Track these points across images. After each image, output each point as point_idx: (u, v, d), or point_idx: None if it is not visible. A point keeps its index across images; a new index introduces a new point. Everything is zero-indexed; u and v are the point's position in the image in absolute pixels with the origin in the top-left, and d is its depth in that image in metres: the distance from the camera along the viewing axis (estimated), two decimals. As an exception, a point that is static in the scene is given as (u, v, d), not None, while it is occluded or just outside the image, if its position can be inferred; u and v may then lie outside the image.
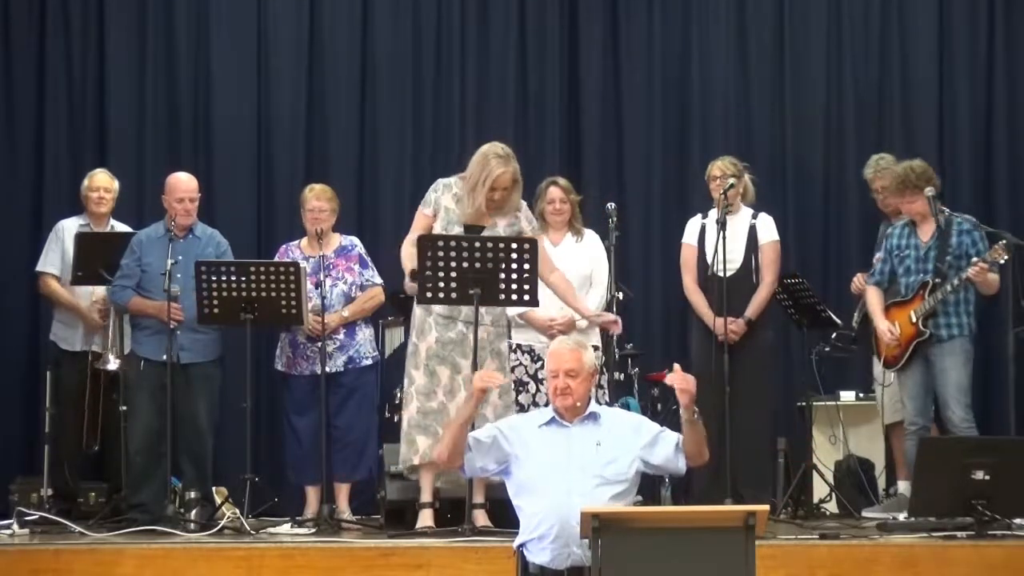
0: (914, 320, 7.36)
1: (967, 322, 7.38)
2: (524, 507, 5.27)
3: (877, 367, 8.04)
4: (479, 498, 6.97)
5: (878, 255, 7.74)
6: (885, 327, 7.44)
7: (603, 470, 5.21)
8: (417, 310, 7.02)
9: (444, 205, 7.01)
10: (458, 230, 6.94)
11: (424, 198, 7.08)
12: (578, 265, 7.48)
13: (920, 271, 7.43)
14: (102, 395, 7.98)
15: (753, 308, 7.63)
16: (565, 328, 7.36)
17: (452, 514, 7.20)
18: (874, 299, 7.61)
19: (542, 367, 6.98)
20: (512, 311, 7.31)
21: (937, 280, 7.33)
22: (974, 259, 7.25)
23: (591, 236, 7.60)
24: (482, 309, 6.80)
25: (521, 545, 5.26)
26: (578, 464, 5.20)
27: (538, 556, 5.19)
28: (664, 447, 5.30)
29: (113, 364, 7.90)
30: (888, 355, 7.51)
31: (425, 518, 7.00)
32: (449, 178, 7.09)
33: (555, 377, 5.31)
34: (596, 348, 7.41)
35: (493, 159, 6.91)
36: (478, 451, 5.32)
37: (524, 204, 7.16)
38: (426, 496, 7.02)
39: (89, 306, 8.00)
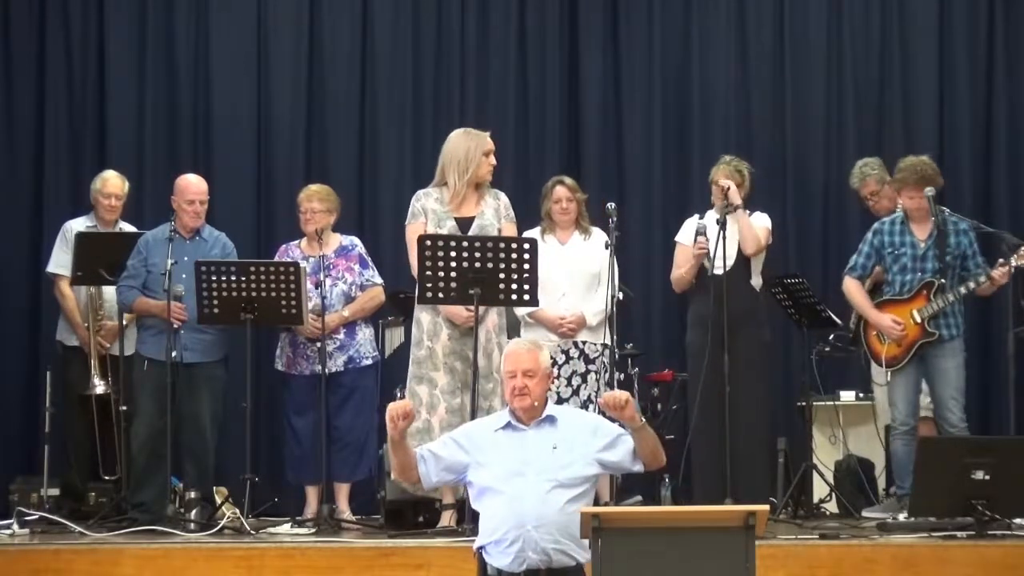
0: (919, 320, 7.35)
1: (961, 322, 7.42)
2: (482, 511, 5.28)
3: (874, 367, 8.04)
4: (449, 499, 7.04)
5: (863, 250, 7.62)
6: (890, 321, 7.40)
7: (558, 474, 5.17)
8: (424, 315, 7.07)
9: (430, 208, 7.15)
10: (451, 224, 7.08)
11: (410, 213, 7.22)
12: (586, 264, 7.47)
13: (918, 270, 7.41)
14: (113, 415, 7.94)
15: (744, 220, 7.49)
16: (576, 325, 7.37)
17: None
18: (861, 294, 7.57)
19: (552, 366, 6.94)
20: (521, 311, 7.35)
21: (942, 281, 7.33)
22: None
23: (599, 235, 7.56)
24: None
25: (480, 548, 5.26)
26: (534, 468, 5.18)
27: (496, 559, 5.18)
28: (622, 448, 5.27)
29: (100, 388, 7.94)
30: (888, 355, 7.49)
31: (447, 519, 7.02)
32: (423, 189, 7.29)
33: (512, 377, 5.29)
34: (606, 347, 7.43)
35: (471, 131, 7.27)
36: (433, 463, 5.30)
37: (503, 194, 7.31)
38: (449, 497, 7.03)
39: (95, 332, 8.00)
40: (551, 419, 5.32)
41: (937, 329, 7.35)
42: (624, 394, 5.20)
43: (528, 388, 5.26)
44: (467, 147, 7.18)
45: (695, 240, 7.53)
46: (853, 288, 7.60)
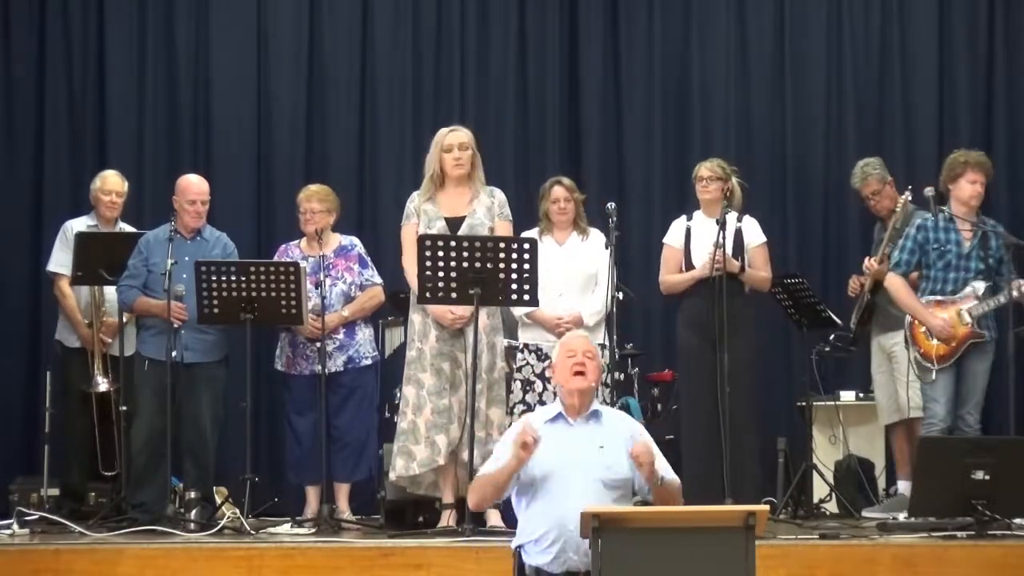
0: (968, 320, 7.30)
1: (996, 326, 7.39)
2: (524, 507, 5.25)
3: (874, 363, 8.04)
4: (448, 499, 7.03)
5: (906, 246, 7.51)
6: (941, 321, 7.29)
7: (604, 474, 5.18)
8: (416, 316, 7.07)
9: (422, 208, 7.15)
10: (440, 224, 7.07)
11: (404, 214, 7.23)
12: (583, 264, 7.47)
13: (963, 269, 7.36)
14: (113, 413, 7.93)
15: (749, 273, 7.51)
16: (573, 326, 7.36)
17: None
18: (907, 291, 7.44)
19: (549, 366, 6.94)
20: (519, 311, 7.34)
21: (990, 284, 7.32)
22: None
23: (596, 235, 7.56)
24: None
25: (519, 546, 5.24)
26: (581, 468, 5.17)
27: (535, 558, 5.17)
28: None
29: (103, 386, 7.94)
30: (937, 353, 7.42)
31: (446, 519, 7.01)
32: (417, 190, 7.29)
33: (571, 356, 5.29)
34: (603, 347, 7.42)
35: (442, 130, 7.29)
36: None
37: (499, 192, 7.26)
38: (448, 497, 7.03)
39: (98, 330, 8.00)
40: (596, 414, 5.33)
41: (981, 330, 7.33)
42: (649, 454, 5.16)
43: (587, 367, 5.27)
44: (431, 149, 7.20)
45: (684, 242, 7.53)
46: (898, 285, 7.48)
